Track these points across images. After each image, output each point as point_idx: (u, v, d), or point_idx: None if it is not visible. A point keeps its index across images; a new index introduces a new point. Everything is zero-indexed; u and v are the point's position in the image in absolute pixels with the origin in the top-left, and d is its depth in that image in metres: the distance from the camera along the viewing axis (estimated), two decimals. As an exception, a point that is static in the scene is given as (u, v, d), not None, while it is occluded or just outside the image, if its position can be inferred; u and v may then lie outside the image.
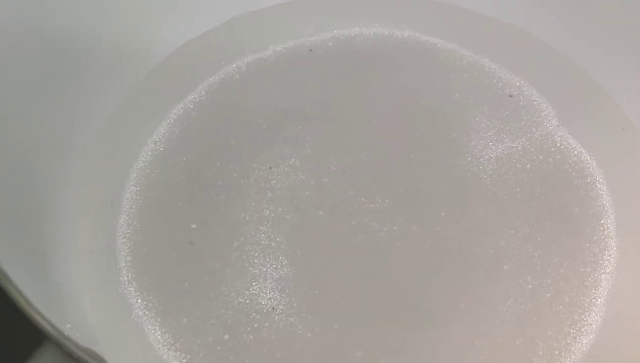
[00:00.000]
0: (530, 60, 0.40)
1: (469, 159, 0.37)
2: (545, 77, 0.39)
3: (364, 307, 0.33)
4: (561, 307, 0.32)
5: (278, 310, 0.33)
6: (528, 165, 0.37)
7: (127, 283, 0.33)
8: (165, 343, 0.32)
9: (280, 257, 0.34)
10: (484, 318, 0.32)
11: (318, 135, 0.38)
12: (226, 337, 0.32)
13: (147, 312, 0.32)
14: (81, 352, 0.18)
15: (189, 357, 0.31)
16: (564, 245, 0.34)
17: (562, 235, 0.34)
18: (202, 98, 0.40)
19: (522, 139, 0.38)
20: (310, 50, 0.42)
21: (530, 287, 0.33)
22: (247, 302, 0.33)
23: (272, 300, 0.33)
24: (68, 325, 0.28)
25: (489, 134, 0.38)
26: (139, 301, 0.33)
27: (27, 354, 0.19)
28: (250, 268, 0.34)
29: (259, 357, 0.32)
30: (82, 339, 0.28)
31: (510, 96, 0.39)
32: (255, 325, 0.32)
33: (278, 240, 0.34)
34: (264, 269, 0.34)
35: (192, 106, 0.39)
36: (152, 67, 0.40)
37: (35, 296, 0.23)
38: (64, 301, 0.29)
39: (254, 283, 0.33)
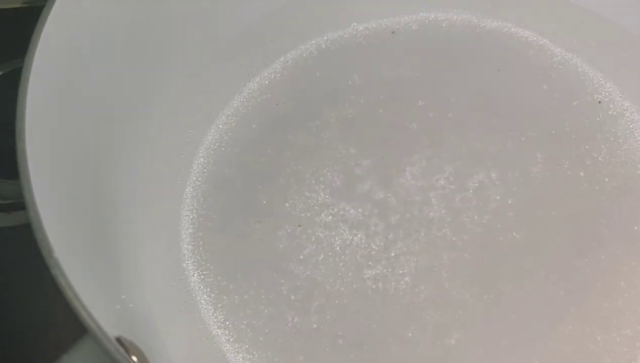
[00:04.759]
0: (628, 65, 0.37)
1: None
2: (642, 87, 0.37)
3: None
4: None
5: (331, 298, 0.33)
6: (606, 179, 0.35)
7: (186, 256, 0.34)
8: (216, 320, 0.33)
9: (340, 242, 0.34)
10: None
11: (393, 122, 0.37)
12: (275, 319, 0.32)
13: (202, 287, 0.33)
14: (118, 349, 0.19)
15: (236, 335, 0.32)
16: None
17: None
18: (277, 74, 0.40)
19: (608, 150, 0.36)
20: (393, 33, 0.40)
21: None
22: (304, 285, 0.33)
23: (323, 288, 0.33)
24: (123, 296, 0.29)
25: (569, 139, 0.36)
26: (195, 275, 0.34)
27: (67, 346, 0.20)
28: (308, 248, 0.34)
29: (304, 342, 0.32)
30: (135, 310, 0.29)
31: (600, 103, 0.37)
32: (301, 310, 0.33)
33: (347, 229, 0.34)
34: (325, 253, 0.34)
35: (267, 82, 0.39)
36: (231, 38, 0.39)
37: (87, 273, 0.24)
38: (121, 271, 0.30)
39: (309, 269, 0.33)
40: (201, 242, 0.35)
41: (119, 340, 0.20)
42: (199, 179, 0.37)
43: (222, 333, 0.32)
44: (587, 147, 0.36)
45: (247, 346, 0.32)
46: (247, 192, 0.36)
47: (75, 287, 0.20)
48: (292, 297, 0.33)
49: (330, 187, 0.35)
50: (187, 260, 0.34)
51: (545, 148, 0.36)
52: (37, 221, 0.22)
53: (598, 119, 0.37)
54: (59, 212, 0.25)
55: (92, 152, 0.32)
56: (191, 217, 0.35)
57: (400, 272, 0.33)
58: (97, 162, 0.32)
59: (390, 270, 0.33)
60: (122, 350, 0.20)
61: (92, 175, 0.31)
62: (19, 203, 0.31)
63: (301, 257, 0.34)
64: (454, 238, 0.34)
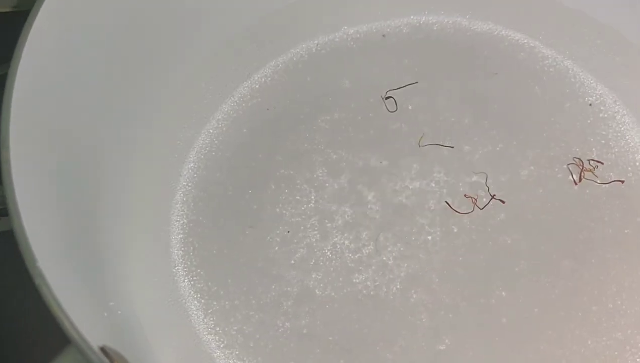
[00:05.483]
0: (619, 68, 0.37)
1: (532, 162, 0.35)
2: (634, 90, 0.36)
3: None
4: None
5: (321, 303, 0.33)
6: (597, 181, 0.35)
7: (176, 262, 0.34)
8: (206, 326, 0.32)
9: (332, 249, 0.34)
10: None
11: (383, 124, 0.37)
12: (266, 325, 0.32)
13: (192, 293, 0.33)
14: (101, 359, 0.19)
15: (226, 341, 0.32)
16: None
17: None
18: (268, 78, 0.39)
19: (599, 153, 0.36)
20: (383, 36, 0.40)
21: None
22: (295, 290, 0.33)
23: (314, 293, 0.33)
24: (111, 303, 0.29)
25: (559, 142, 0.36)
26: (185, 280, 0.34)
27: (50, 356, 0.20)
28: (299, 253, 0.34)
29: (295, 348, 0.32)
30: (123, 316, 0.29)
31: (590, 105, 0.37)
32: (291, 316, 0.33)
33: (340, 235, 0.34)
34: (316, 260, 0.34)
35: (258, 86, 0.39)
36: (221, 42, 0.39)
37: (73, 280, 0.24)
38: (109, 277, 0.30)
39: (299, 274, 0.33)
40: (191, 248, 0.35)
41: (103, 349, 0.20)
42: (190, 184, 0.36)
43: (212, 339, 0.32)
44: (577, 149, 0.36)
45: (237, 352, 0.32)
46: (237, 197, 0.36)
47: (58, 296, 0.20)
48: (283, 302, 0.33)
49: (321, 191, 0.35)
50: (177, 265, 0.34)
51: (536, 151, 0.36)
52: (20, 230, 0.22)
53: (589, 121, 0.37)
54: (44, 219, 0.25)
55: (79, 158, 0.31)
56: (181, 222, 0.35)
57: (391, 276, 0.33)
58: (85, 168, 0.32)
59: (381, 274, 0.33)
60: (106, 360, 0.19)
61: (80, 181, 0.31)
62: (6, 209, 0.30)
63: (292, 262, 0.34)
64: (444, 242, 0.34)
